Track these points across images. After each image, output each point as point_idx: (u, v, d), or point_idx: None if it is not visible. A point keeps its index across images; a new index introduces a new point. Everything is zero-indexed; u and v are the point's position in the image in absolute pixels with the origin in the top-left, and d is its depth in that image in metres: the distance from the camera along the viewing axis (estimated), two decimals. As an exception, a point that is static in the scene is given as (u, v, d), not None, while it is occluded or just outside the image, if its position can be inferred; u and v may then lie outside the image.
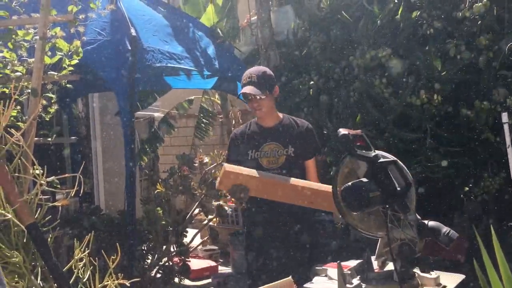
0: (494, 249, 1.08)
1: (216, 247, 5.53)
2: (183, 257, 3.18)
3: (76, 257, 1.54)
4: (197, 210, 3.20)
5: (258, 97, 2.52)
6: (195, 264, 5.17)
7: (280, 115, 2.72)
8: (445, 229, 1.77)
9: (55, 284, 1.53)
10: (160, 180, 3.23)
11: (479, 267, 1.14)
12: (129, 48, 2.89)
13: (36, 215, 1.59)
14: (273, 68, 4.52)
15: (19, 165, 1.58)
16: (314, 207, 2.38)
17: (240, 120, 6.35)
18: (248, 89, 2.52)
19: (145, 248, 3.20)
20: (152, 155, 6.77)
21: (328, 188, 2.25)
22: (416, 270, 1.93)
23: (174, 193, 3.10)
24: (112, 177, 5.91)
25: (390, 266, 1.99)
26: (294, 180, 2.32)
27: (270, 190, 2.34)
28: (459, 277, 2.12)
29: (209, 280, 5.13)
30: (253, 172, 2.34)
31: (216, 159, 3.20)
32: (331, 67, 3.81)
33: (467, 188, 4.24)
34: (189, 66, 3.48)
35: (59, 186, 1.67)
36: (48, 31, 1.75)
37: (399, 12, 3.35)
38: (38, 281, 1.50)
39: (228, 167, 2.30)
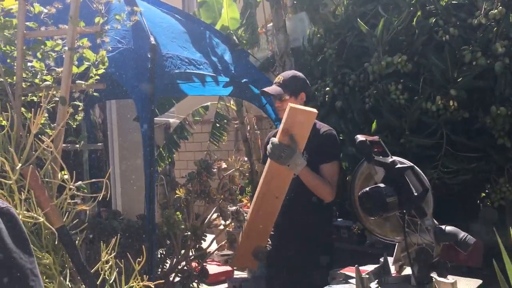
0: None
1: (232, 252, 5.57)
2: (201, 261, 3.23)
3: (103, 259, 1.59)
4: (215, 215, 3.25)
5: (283, 98, 2.58)
6: (211, 268, 5.23)
7: None
8: (462, 234, 1.80)
9: (83, 285, 1.59)
10: (179, 184, 3.29)
11: (499, 271, 1.16)
12: (149, 56, 2.94)
13: (64, 219, 1.65)
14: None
15: (49, 170, 1.65)
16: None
17: (255, 126, 6.40)
18: (269, 88, 2.60)
19: (164, 252, 3.26)
20: (169, 160, 6.85)
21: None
22: (433, 275, 1.95)
23: (193, 198, 3.16)
24: (129, 182, 6.00)
25: (407, 271, 2.02)
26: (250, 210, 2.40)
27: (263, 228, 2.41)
28: (476, 282, 2.14)
29: (225, 285, 5.18)
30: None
31: (234, 165, 3.25)
32: (346, 73, 3.85)
33: (483, 194, 4.23)
34: (208, 72, 3.54)
35: (86, 190, 1.73)
36: (76, 42, 1.82)
37: (415, 19, 3.38)
38: (67, 282, 1.56)
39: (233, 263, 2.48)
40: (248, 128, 6.34)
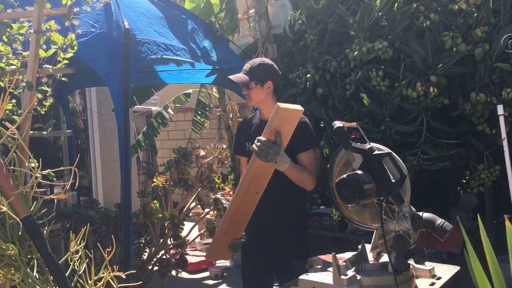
0: (489, 240, 1.09)
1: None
2: (180, 250, 3.20)
3: (72, 250, 1.54)
4: (194, 203, 3.21)
5: (249, 86, 2.55)
6: (193, 257, 5.21)
7: None
8: (439, 220, 1.79)
9: (51, 276, 1.54)
10: (157, 173, 3.24)
11: (478, 258, 1.15)
12: (123, 40, 2.84)
13: (32, 208, 1.59)
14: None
15: (14, 158, 1.58)
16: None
17: (238, 114, 6.34)
18: (234, 76, 2.55)
19: (142, 241, 3.21)
20: (149, 146, 6.78)
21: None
22: (411, 262, 1.94)
23: (171, 186, 3.11)
24: (110, 171, 5.93)
25: (385, 258, 2.01)
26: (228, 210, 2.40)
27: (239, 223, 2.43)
28: (453, 269, 2.14)
29: (207, 273, 5.17)
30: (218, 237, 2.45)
31: (213, 152, 3.20)
32: (327, 60, 3.81)
33: (464, 181, 4.26)
34: (186, 58, 3.45)
35: (55, 179, 1.67)
36: (43, 24, 1.75)
37: (396, 4, 3.35)
38: (34, 273, 1.51)
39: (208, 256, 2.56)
40: (231, 116, 6.28)
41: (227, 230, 2.42)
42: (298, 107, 2.22)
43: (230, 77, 2.57)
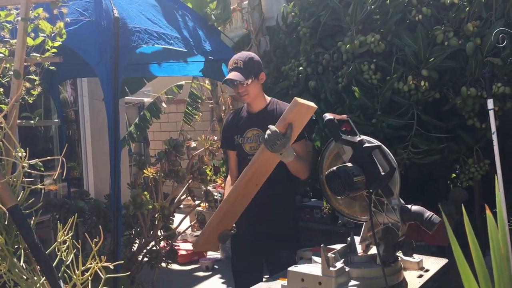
0: (477, 233, 1.09)
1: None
2: (170, 242, 3.19)
3: (59, 240, 1.53)
4: (184, 195, 3.20)
5: (244, 83, 2.52)
6: (184, 248, 5.21)
7: (268, 99, 2.72)
8: (427, 213, 1.80)
9: (38, 266, 1.53)
10: (147, 164, 3.23)
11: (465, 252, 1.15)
12: (112, 30, 2.79)
13: (19, 198, 1.58)
14: (263, 54, 4.51)
15: (1, 147, 1.57)
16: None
17: (230, 106, 6.32)
18: (233, 75, 2.52)
19: (133, 233, 3.20)
20: (139, 139, 6.75)
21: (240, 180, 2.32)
22: (399, 254, 1.95)
23: (162, 178, 3.10)
24: (101, 162, 5.89)
25: (373, 250, 2.01)
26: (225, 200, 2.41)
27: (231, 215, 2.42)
28: (441, 261, 2.15)
29: (198, 265, 5.17)
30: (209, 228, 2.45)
31: (204, 144, 3.19)
32: (320, 53, 3.81)
33: (454, 175, 4.28)
34: (179, 47, 3.40)
35: (43, 169, 1.65)
36: (31, 12, 1.72)
37: (389, -3, 3.35)
38: (21, 263, 1.50)
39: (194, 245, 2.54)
40: (223, 108, 6.26)
41: (220, 221, 2.41)
42: (313, 104, 2.24)
43: (229, 77, 2.54)
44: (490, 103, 2.77)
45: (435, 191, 4.17)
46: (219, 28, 4.74)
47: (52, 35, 1.76)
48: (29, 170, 1.53)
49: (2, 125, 1.53)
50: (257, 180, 2.33)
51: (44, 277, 1.51)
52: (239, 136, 2.66)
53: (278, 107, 2.67)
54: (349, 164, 1.82)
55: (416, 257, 2.06)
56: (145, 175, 3.12)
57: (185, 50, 3.49)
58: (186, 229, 3.50)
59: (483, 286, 1.04)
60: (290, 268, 1.83)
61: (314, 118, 3.71)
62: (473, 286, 1.01)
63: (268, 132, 2.15)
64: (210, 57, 4.07)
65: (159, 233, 3.14)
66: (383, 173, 1.78)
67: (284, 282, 1.82)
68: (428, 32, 3.18)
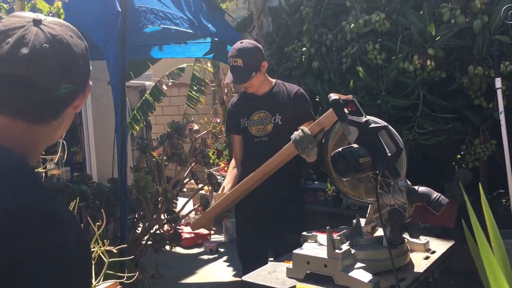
0: (483, 216, 1.06)
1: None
2: (173, 225, 3.18)
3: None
4: (188, 179, 3.18)
5: (252, 77, 2.54)
6: (188, 232, 5.21)
7: (273, 81, 2.70)
8: (435, 194, 1.76)
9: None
10: (149, 148, 3.20)
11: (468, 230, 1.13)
12: (119, 10, 2.72)
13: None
14: (265, 35, 4.44)
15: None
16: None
17: (233, 89, 6.26)
18: (235, 79, 2.53)
19: (136, 216, 3.19)
20: (144, 123, 6.70)
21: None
22: (406, 236, 1.93)
23: (164, 161, 3.07)
24: (103, 147, 5.87)
25: (379, 232, 1.99)
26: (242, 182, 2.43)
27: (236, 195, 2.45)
28: (448, 243, 2.13)
29: (202, 248, 5.18)
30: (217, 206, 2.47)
31: (207, 127, 3.15)
32: (323, 33, 3.74)
33: (459, 156, 4.25)
34: (185, 28, 3.32)
35: (43, 152, 1.62)
36: (27, -9, 1.68)
37: (394, -25, 3.27)
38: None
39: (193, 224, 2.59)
40: (226, 91, 6.20)
41: (225, 204, 2.46)
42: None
43: (234, 80, 2.56)
44: (498, 82, 2.72)
45: (439, 174, 4.14)
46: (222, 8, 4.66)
47: (50, 15, 1.72)
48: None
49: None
50: (271, 173, 2.37)
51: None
52: (245, 119, 2.64)
53: (285, 88, 2.64)
54: (355, 145, 1.78)
55: (423, 239, 2.04)
56: (147, 158, 3.09)
57: (191, 31, 3.43)
58: (190, 212, 3.48)
59: (503, 269, 1.01)
60: (295, 251, 1.81)
61: (317, 99, 3.69)
62: (498, 273, 0.98)
63: (300, 134, 2.15)
64: (215, 39, 4.00)
65: (162, 217, 3.12)
66: (389, 154, 1.74)
67: (289, 264, 1.80)
68: (434, 10, 3.12)
